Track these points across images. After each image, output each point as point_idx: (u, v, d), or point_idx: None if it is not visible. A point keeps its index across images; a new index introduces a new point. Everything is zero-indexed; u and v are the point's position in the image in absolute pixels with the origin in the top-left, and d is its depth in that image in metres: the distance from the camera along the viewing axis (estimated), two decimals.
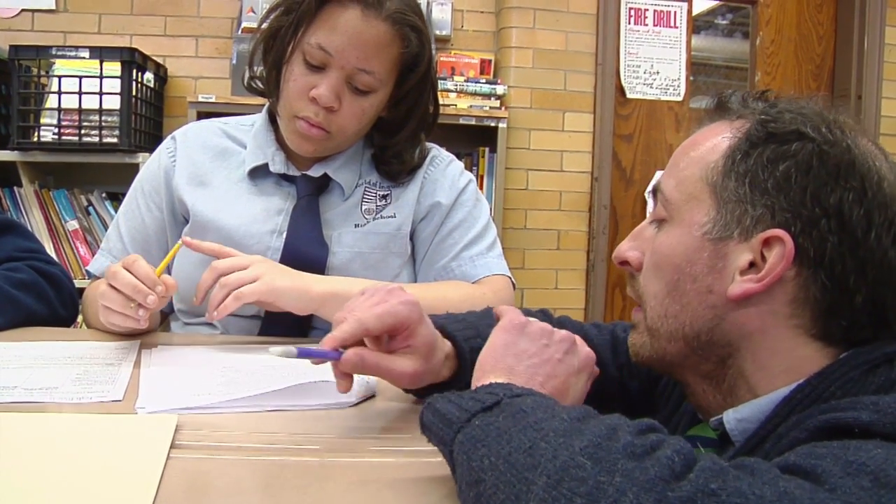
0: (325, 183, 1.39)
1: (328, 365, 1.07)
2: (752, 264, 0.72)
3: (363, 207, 1.39)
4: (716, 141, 0.77)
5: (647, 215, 0.85)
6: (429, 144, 1.49)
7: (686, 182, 0.78)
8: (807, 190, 0.70)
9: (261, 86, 1.41)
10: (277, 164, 1.38)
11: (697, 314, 0.76)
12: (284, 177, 1.39)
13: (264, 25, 1.35)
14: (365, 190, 1.41)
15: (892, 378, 0.67)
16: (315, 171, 1.38)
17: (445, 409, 0.68)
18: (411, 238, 1.43)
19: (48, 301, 1.34)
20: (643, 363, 0.84)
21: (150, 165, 1.46)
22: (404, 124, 1.40)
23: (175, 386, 0.96)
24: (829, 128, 0.72)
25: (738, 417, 0.75)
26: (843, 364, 0.70)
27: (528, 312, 1.02)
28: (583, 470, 0.53)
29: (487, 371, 0.76)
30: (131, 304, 1.11)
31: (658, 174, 3.42)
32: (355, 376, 0.97)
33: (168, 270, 1.42)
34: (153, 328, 1.35)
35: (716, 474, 0.52)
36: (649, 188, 3.42)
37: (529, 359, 0.78)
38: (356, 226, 1.38)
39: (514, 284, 1.43)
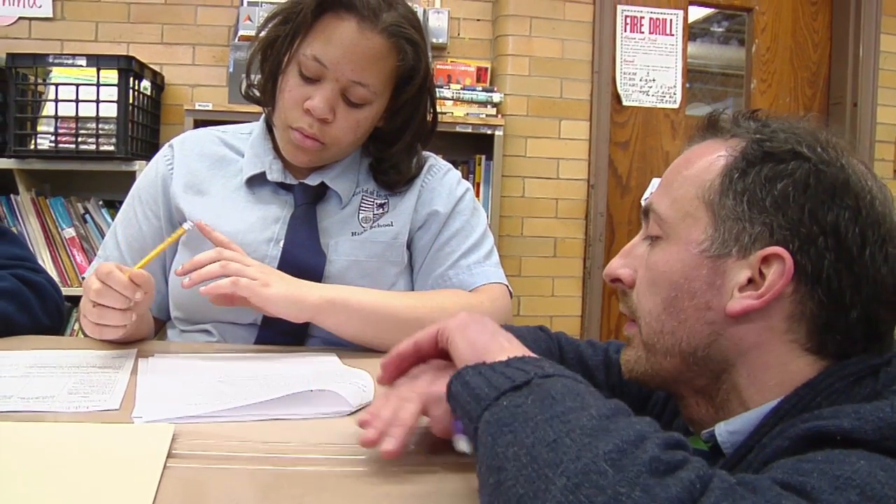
0: (322, 191, 1.39)
1: (325, 374, 1.07)
2: (750, 281, 0.73)
3: (360, 216, 1.39)
4: (710, 159, 0.78)
5: (639, 234, 0.85)
6: (426, 153, 1.49)
7: (681, 201, 0.78)
8: (804, 208, 0.71)
9: (258, 94, 1.41)
10: (275, 173, 1.38)
11: (695, 330, 0.76)
12: (282, 185, 1.39)
13: (262, 34, 1.35)
14: (362, 198, 1.41)
15: (877, 389, 0.68)
16: (312, 180, 1.38)
17: (475, 382, 0.68)
18: (409, 247, 1.43)
19: (30, 310, 1.32)
20: (637, 379, 0.84)
21: (148, 173, 1.46)
22: (401, 135, 1.40)
23: (172, 395, 0.96)
24: (823, 147, 0.73)
25: (729, 430, 0.75)
26: (829, 375, 0.71)
27: (525, 329, 1.02)
28: (604, 477, 0.53)
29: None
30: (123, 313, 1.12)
31: (654, 182, 3.43)
32: (351, 384, 0.98)
33: (165, 277, 1.42)
34: (149, 336, 1.35)
35: (726, 493, 0.52)
36: (644, 198, 3.43)
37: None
38: (353, 234, 1.38)
39: (511, 293, 1.43)
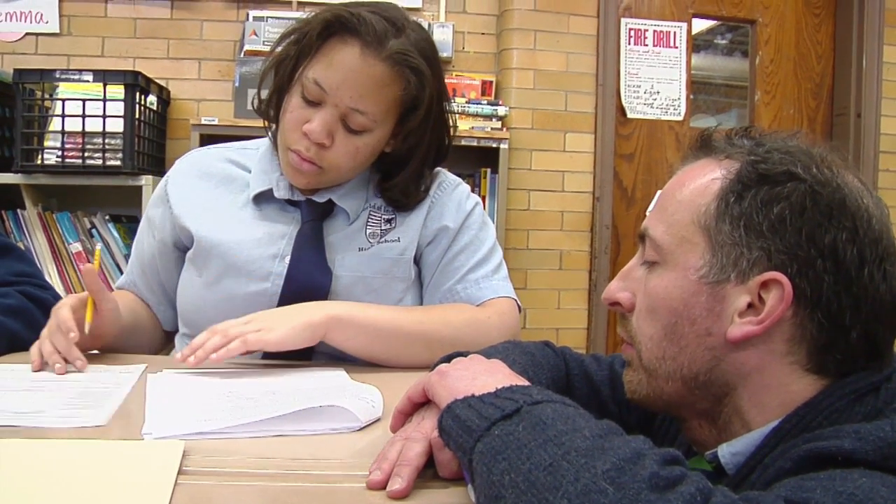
0: (329, 208, 1.39)
1: (334, 390, 1.07)
2: (749, 306, 0.73)
3: (368, 231, 1.39)
4: (705, 182, 0.77)
5: (636, 256, 0.85)
6: (435, 169, 1.48)
7: (677, 226, 0.78)
8: (802, 231, 0.71)
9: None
10: (281, 190, 1.38)
11: (696, 356, 0.76)
12: (289, 201, 1.39)
13: (278, 49, 1.35)
14: (370, 214, 1.41)
15: (878, 407, 0.68)
16: (319, 197, 1.37)
17: (465, 414, 0.68)
18: (417, 262, 1.43)
19: (37, 327, 1.29)
20: (640, 402, 0.84)
21: (156, 191, 1.48)
22: (407, 162, 1.39)
23: (182, 411, 0.96)
24: (818, 167, 0.73)
25: (732, 451, 0.76)
26: (829, 395, 0.71)
27: (533, 345, 1.02)
28: (605, 496, 0.53)
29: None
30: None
31: (659, 194, 3.42)
32: (361, 399, 0.98)
33: (167, 295, 1.46)
34: (151, 349, 1.35)
35: None
36: (649, 210, 3.43)
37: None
38: (360, 249, 1.37)
39: (519, 307, 1.43)
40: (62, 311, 1.15)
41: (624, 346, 0.85)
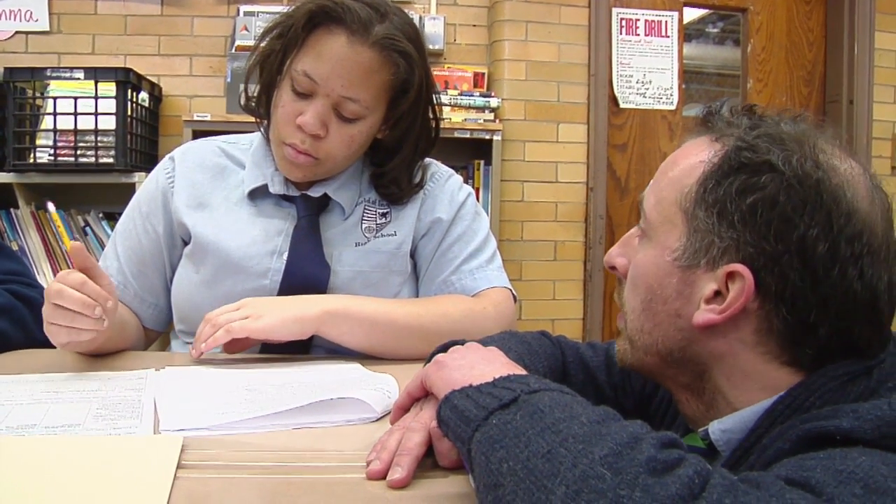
0: (324, 203, 1.39)
1: (351, 382, 1.07)
2: (717, 293, 0.73)
3: (363, 226, 1.39)
4: (693, 162, 0.77)
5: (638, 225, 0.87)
6: (427, 160, 1.48)
7: (663, 203, 0.79)
8: (771, 226, 0.70)
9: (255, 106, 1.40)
10: (276, 185, 1.37)
11: (668, 334, 0.78)
12: (284, 197, 1.39)
13: (262, 44, 1.34)
14: (365, 208, 1.41)
15: (871, 387, 0.68)
16: (315, 192, 1.37)
17: (463, 405, 0.68)
18: (413, 255, 1.43)
19: (25, 325, 1.31)
20: (627, 369, 0.86)
21: (148, 185, 1.45)
22: (399, 148, 1.38)
23: (199, 405, 0.96)
24: (800, 159, 0.71)
25: (722, 428, 0.76)
26: (822, 375, 0.70)
27: (531, 335, 1.02)
28: (602, 481, 0.53)
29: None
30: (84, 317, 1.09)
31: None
32: (377, 390, 0.98)
33: (167, 292, 1.43)
34: (134, 346, 1.35)
35: (727, 490, 0.52)
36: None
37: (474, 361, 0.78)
38: (357, 244, 1.37)
39: (515, 297, 1.43)
40: (91, 285, 1.09)
41: (619, 315, 0.86)
